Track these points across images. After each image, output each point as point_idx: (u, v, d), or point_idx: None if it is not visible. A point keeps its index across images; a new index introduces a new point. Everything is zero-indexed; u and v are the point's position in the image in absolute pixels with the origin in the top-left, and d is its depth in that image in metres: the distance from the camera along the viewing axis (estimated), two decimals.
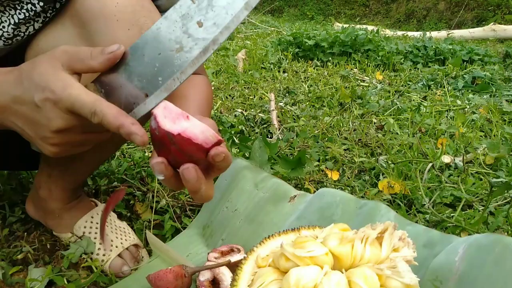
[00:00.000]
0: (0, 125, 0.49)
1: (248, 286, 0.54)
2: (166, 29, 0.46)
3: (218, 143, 0.42)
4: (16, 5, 0.54)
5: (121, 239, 0.79)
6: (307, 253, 0.52)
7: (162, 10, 0.67)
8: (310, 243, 0.54)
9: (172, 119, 0.42)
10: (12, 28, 0.56)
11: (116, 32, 0.54)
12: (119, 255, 0.77)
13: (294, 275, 0.49)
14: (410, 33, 5.41)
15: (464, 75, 2.49)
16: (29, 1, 0.54)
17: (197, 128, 0.41)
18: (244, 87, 2.05)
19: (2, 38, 0.56)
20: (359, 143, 1.35)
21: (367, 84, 2.36)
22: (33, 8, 0.55)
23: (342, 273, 0.51)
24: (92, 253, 0.75)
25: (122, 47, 0.45)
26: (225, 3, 0.44)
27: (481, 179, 1.10)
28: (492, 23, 5.92)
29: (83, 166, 0.73)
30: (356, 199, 0.79)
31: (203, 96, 0.65)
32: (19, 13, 0.55)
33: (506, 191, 0.78)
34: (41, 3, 0.55)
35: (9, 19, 0.55)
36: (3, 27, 0.56)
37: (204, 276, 0.68)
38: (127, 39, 0.55)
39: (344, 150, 1.27)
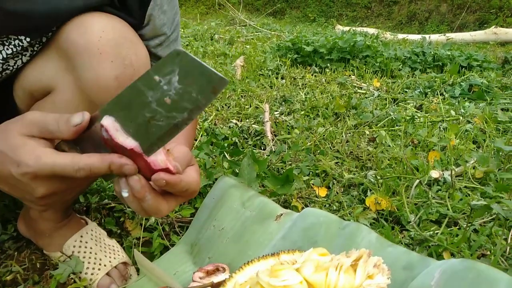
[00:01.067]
0: None
1: None
2: (136, 98, 0.42)
3: (166, 169, 0.44)
4: (4, 41, 0.56)
5: (110, 257, 0.81)
6: (282, 282, 0.53)
7: (146, 39, 0.69)
8: (285, 271, 0.56)
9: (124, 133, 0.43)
10: (0, 62, 0.58)
11: (100, 65, 0.56)
12: (108, 274, 0.79)
13: None
14: (410, 36, 5.41)
15: (461, 83, 2.50)
16: (16, 38, 0.56)
17: None
18: (241, 96, 2.06)
19: None
20: (351, 156, 1.37)
21: (364, 92, 2.37)
22: (20, 44, 0.57)
23: None
24: (80, 272, 0.77)
25: (87, 115, 0.45)
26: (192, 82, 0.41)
27: (468, 195, 1.11)
28: (493, 26, 5.90)
29: (72, 191, 0.75)
30: (339, 220, 0.80)
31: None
32: (7, 49, 0.57)
33: (486, 213, 0.79)
34: (28, 39, 0.57)
35: None
36: None
37: None
38: (110, 71, 0.57)
39: (335, 163, 1.28)
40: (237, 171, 1.05)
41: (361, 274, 0.56)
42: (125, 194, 0.45)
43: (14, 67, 0.59)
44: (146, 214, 0.48)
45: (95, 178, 0.50)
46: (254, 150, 1.31)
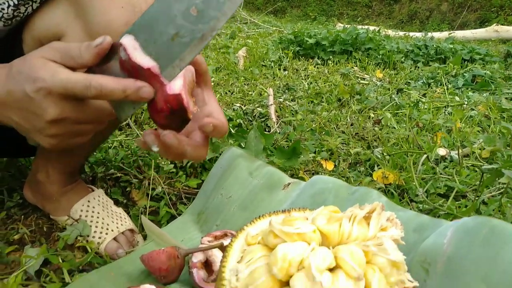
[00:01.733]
0: None
1: (237, 262, 0.55)
2: (160, 14, 0.42)
3: (180, 100, 0.42)
4: None
5: (117, 223, 0.81)
6: (295, 230, 0.53)
7: None
8: (298, 221, 0.55)
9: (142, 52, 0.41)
10: (12, 9, 0.57)
11: (111, 10, 0.56)
12: (115, 239, 0.79)
13: (281, 250, 0.50)
14: (412, 34, 5.42)
15: (464, 74, 2.49)
16: None
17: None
18: (244, 83, 2.06)
19: (2, 19, 0.58)
20: (356, 137, 1.36)
21: (367, 82, 2.36)
22: None
23: (329, 250, 0.52)
24: (87, 236, 0.77)
25: (108, 38, 0.44)
26: None
27: (476, 171, 1.10)
28: (494, 24, 5.91)
29: (79, 148, 0.74)
30: (348, 186, 0.80)
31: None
32: None
33: (497, 178, 0.79)
34: None
35: (8, 1, 0.57)
36: (3, 9, 0.57)
37: (197, 258, 0.69)
38: (121, 17, 0.56)
39: (341, 143, 1.28)
40: (243, 146, 1.04)
41: (374, 225, 0.56)
42: (155, 149, 0.44)
43: (25, 14, 0.58)
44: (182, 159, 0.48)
45: (108, 119, 0.49)
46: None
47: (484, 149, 1.24)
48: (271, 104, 1.57)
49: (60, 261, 0.66)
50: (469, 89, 2.32)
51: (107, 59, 0.45)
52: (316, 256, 0.49)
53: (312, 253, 0.50)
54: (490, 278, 0.58)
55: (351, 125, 1.48)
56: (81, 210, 0.79)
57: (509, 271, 0.57)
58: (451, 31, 5.60)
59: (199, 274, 0.68)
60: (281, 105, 1.69)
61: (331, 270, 0.50)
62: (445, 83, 2.37)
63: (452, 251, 0.62)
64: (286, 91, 2.03)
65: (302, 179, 0.99)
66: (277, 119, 1.51)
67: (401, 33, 5.39)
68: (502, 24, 6.14)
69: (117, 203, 0.90)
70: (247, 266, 0.53)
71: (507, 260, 0.58)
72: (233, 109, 1.55)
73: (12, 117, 0.47)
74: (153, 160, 0.96)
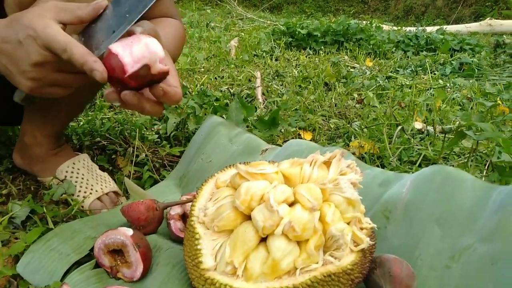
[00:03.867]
0: None
1: (206, 202, 0.59)
2: None
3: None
4: None
5: (101, 185, 0.85)
6: (259, 171, 0.57)
7: None
8: (263, 165, 0.60)
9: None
10: None
11: None
12: (99, 199, 0.83)
13: (245, 186, 0.54)
14: (406, 29, 5.45)
15: (452, 61, 2.54)
16: None
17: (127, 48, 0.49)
18: (234, 70, 2.10)
19: None
20: (338, 115, 1.40)
21: (357, 70, 2.41)
22: None
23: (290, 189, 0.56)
24: (72, 194, 0.81)
25: (105, 1, 0.52)
26: None
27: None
28: (488, 18, 5.95)
29: (62, 111, 0.79)
30: (320, 147, 0.84)
31: (171, 35, 0.71)
32: None
33: (459, 140, 0.83)
34: None
35: None
36: None
37: (175, 211, 0.74)
38: None
39: (322, 119, 1.32)
40: (225, 117, 1.09)
41: (334, 169, 0.60)
42: (117, 103, 0.52)
43: None
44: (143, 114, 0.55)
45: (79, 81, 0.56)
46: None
47: (460, 124, 1.29)
48: (258, 86, 1.61)
49: (45, 211, 0.70)
50: (456, 76, 2.37)
51: (95, 20, 0.52)
52: (276, 191, 0.54)
53: (272, 189, 0.55)
54: (442, 220, 0.62)
55: (335, 105, 1.52)
56: (66, 171, 0.83)
57: (459, 212, 0.62)
58: (445, 27, 5.64)
59: (176, 224, 0.72)
60: (269, 89, 1.73)
61: (290, 205, 0.55)
62: (433, 71, 2.42)
63: (410, 198, 0.67)
64: (276, 77, 2.07)
65: (280, 146, 1.03)
66: (263, 101, 1.55)
67: (395, 28, 5.43)
68: (496, 19, 6.19)
69: (103, 169, 0.94)
70: (214, 203, 0.57)
71: (458, 203, 0.63)
72: (221, 91, 1.60)
73: (1, 61, 0.53)
74: (137, 130, 1.00)
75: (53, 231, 0.64)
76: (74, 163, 0.85)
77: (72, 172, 0.83)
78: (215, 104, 1.36)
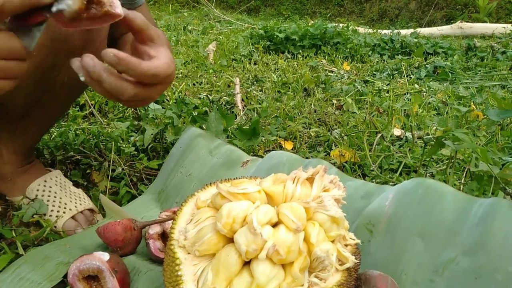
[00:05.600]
0: None
1: (186, 224, 0.57)
2: None
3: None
4: None
5: (75, 203, 0.81)
6: (241, 190, 0.55)
7: None
8: (245, 184, 0.58)
9: None
10: None
11: None
12: (73, 218, 0.79)
13: (226, 207, 0.52)
14: (381, 31, 5.56)
15: (427, 65, 2.59)
16: None
17: None
18: (213, 76, 2.08)
19: None
20: (318, 121, 1.40)
21: (335, 75, 2.42)
22: None
23: (273, 208, 0.55)
24: (44, 214, 0.77)
25: None
26: None
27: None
28: (459, 21, 6.14)
29: (31, 126, 0.74)
30: (301, 159, 0.83)
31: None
32: None
33: (439, 149, 0.84)
34: None
35: None
36: None
37: (154, 230, 0.71)
38: None
39: (303, 127, 1.32)
40: (204, 127, 1.06)
41: (317, 186, 0.59)
42: (82, 78, 0.45)
43: None
44: (111, 97, 0.48)
45: (21, 55, 0.47)
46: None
47: (437, 130, 1.31)
48: (237, 93, 1.59)
49: (14, 235, 0.66)
50: (431, 79, 2.42)
51: None
52: (259, 212, 0.52)
53: (255, 210, 0.53)
54: (424, 232, 0.62)
55: (315, 111, 1.52)
56: (37, 190, 0.79)
57: (441, 226, 0.62)
58: (418, 29, 5.79)
59: (155, 244, 0.70)
60: (248, 95, 1.71)
61: (274, 226, 0.53)
62: (409, 74, 2.46)
63: (393, 212, 0.67)
64: (255, 82, 2.06)
65: (262, 157, 1.01)
66: (243, 108, 1.53)
67: (371, 31, 5.53)
68: (466, 21, 6.40)
69: (77, 185, 0.90)
70: (195, 226, 0.55)
71: (439, 216, 0.63)
72: (199, 98, 1.57)
73: None
74: (113, 142, 0.96)
75: (23, 257, 0.60)
76: (45, 181, 0.81)
77: (43, 191, 0.79)
78: (193, 113, 1.34)
